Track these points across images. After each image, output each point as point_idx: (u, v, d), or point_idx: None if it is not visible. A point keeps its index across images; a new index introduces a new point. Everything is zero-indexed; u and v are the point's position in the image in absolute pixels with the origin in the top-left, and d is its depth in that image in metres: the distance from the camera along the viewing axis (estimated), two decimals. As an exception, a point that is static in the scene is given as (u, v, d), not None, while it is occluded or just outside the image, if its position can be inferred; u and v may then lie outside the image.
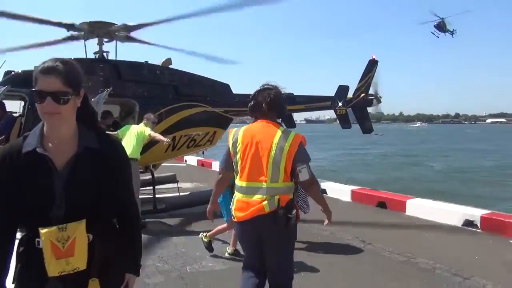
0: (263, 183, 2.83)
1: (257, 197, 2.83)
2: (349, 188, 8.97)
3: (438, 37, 57.90)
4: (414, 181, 19.33)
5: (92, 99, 7.04)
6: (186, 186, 10.47)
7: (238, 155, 2.92)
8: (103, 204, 1.67)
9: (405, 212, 7.45)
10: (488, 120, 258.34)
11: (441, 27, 56.44)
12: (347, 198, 8.75)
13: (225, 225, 5.02)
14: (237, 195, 2.96)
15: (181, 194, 8.80)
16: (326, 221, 3.14)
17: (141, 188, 9.30)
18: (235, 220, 2.98)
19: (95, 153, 1.66)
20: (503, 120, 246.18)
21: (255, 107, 3.01)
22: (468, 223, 6.51)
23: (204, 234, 5.17)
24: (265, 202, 2.80)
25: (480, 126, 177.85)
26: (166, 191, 9.32)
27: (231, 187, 3.51)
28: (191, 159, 16.25)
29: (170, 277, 4.48)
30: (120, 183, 1.75)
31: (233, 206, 2.99)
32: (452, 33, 58.91)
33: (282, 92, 3.07)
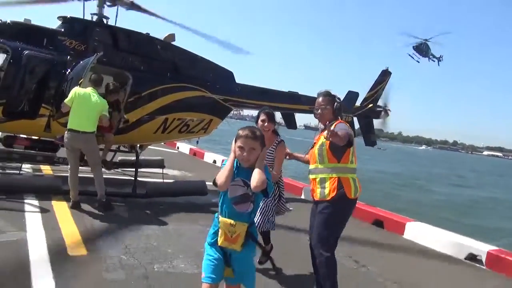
0: None
1: None
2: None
3: (418, 61, 49.22)
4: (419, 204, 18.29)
5: (80, 63, 6.41)
6: (173, 174, 9.85)
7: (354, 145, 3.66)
8: None
9: (403, 235, 6.84)
10: (485, 152, 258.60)
11: (421, 50, 47.97)
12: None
13: None
14: (355, 177, 3.61)
15: (165, 181, 8.17)
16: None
17: (124, 169, 8.70)
18: (357, 195, 3.56)
19: None
20: (500, 154, 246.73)
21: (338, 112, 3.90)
22: (472, 257, 5.91)
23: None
24: None
25: (477, 157, 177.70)
26: (150, 175, 8.71)
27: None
28: (184, 147, 15.62)
29: (133, 274, 3.86)
30: None
31: (355, 185, 3.54)
32: (438, 59, 49.91)
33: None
